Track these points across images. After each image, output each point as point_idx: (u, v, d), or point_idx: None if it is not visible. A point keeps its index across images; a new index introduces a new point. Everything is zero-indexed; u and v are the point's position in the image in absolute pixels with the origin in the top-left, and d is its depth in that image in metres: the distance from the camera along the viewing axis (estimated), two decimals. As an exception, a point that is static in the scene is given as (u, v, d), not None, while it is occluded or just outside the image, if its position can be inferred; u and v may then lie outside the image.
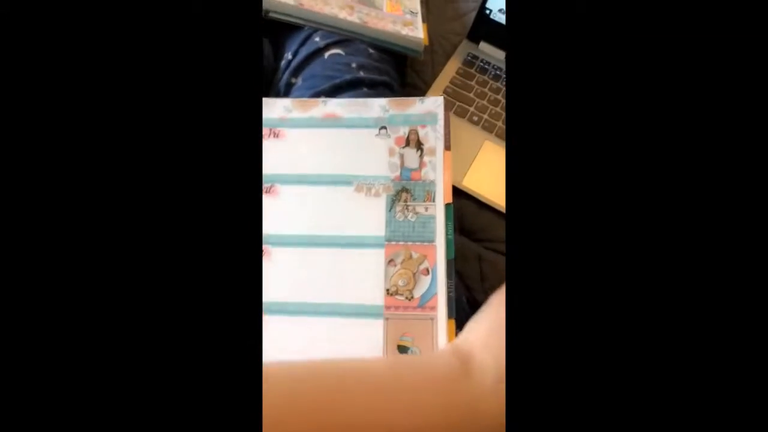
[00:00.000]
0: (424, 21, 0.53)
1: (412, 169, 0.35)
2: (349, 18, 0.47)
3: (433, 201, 0.34)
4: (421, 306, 0.31)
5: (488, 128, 0.47)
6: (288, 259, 0.33)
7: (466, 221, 0.43)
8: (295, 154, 0.36)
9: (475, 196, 0.42)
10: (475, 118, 0.48)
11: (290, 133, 0.37)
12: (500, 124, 0.48)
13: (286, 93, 0.46)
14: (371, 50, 0.49)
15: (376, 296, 0.31)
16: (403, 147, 0.36)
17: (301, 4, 0.45)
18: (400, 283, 0.32)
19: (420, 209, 0.34)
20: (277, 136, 0.36)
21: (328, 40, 0.47)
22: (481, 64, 0.53)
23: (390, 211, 0.34)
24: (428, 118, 0.37)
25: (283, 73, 0.47)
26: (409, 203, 0.34)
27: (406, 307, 0.31)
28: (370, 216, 0.34)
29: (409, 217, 0.33)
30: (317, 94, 0.43)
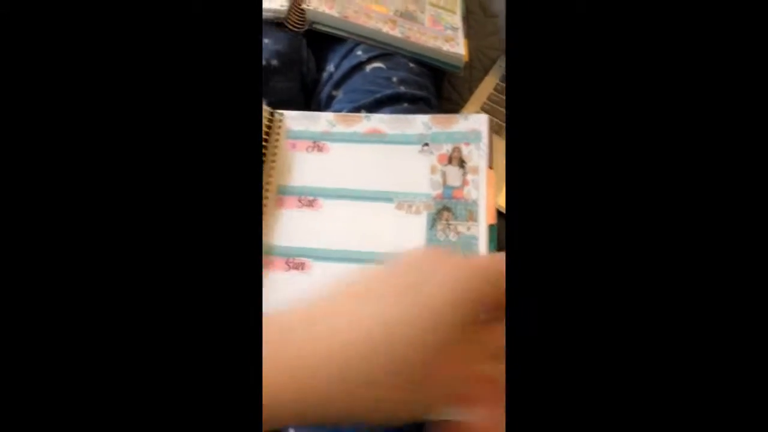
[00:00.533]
0: (464, 36, 0.53)
1: (454, 188, 0.35)
2: (392, 32, 0.47)
3: (476, 221, 0.33)
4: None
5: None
6: (327, 274, 0.33)
7: (500, 242, 0.42)
8: (338, 169, 0.36)
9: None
10: (515, 136, 0.47)
11: (333, 148, 0.37)
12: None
13: (327, 105, 0.47)
14: (412, 64, 0.49)
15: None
16: (446, 164, 0.36)
17: (346, 17, 0.46)
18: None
19: (462, 229, 0.33)
20: (321, 150, 0.37)
21: (370, 54, 0.47)
22: (522, 80, 0.52)
23: (431, 229, 0.34)
24: (472, 136, 0.36)
25: (325, 85, 0.48)
26: (450, 222, 0.34)
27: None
28: (411, 234, 0.33)
29: (450, 237, 0.33)
30: (358, 108, 0.44)
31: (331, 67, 0.48)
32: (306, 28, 0.46)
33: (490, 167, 0.35)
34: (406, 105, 0.45)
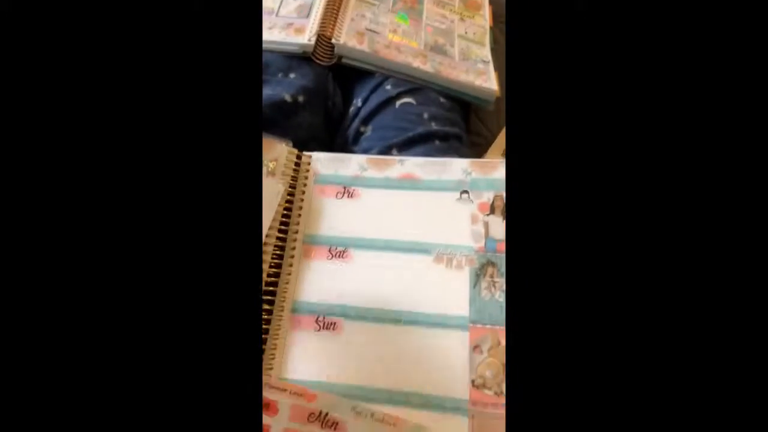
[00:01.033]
0: (495, 69, 0.51)
1: (498, 240, 0.32)
2: (423, 67, 0.45)
3: (523, 279, 0.30)
4: (510, 403, 0.27)
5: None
6: (359, 335, 0.30)
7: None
8: (371, 217, 0.33)
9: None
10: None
11: (365, 194, 0.34)
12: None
13: (354, 141, 0.45)
14: (442, 99, 0.47)
15: (459, 388, 0.28)
16: (488, 214, 0.33)
17: (376, 52, 0.44)
18: (488, 374, 0.28)
19: (508, 287, 0.30)
20: (351, 196, 0.34)
21: (400, 89, 0.45)
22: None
23: (474, 287, 0.31)
24: (515, 183, 0.34)
25: (352, 120, 0.45)
26: (495, 279, 0.31)
27: (495, 404, 0.27)
28: (452, 291, 0.30)
29: (496, 296, 0.30)
30: (389, 147, 0.41)
31: (358, 102, 0.46)
32: (334, 62, 0.45)
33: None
34: (437, 143, 0.43)
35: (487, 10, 0.56)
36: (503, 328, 0.29)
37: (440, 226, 0.33)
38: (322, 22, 0.44)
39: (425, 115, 0.43)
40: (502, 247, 0.32)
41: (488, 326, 0.29)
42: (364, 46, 0.44)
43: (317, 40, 0.44)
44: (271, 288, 0.31)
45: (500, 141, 0.54)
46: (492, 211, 0.33)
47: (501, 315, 0.30)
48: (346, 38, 0.44)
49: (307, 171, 0.35)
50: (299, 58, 0.44)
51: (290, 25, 0.45)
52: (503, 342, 0.29)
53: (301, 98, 0.42)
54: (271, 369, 0.29)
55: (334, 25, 0.44)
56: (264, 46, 0.44)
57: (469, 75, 0.46)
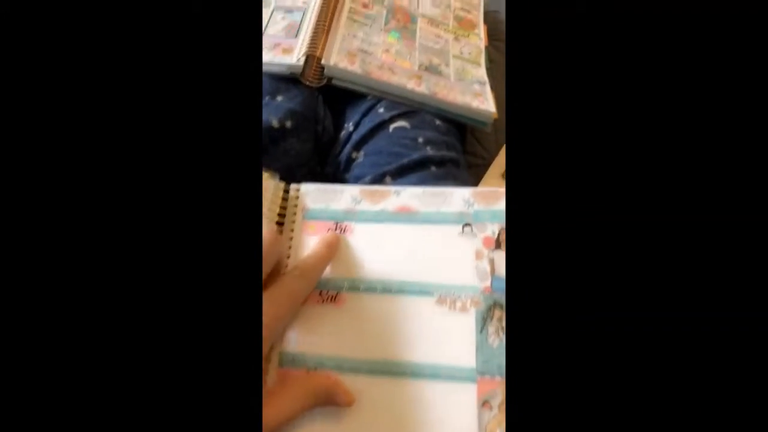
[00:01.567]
0: (491, 89, 0.49)
1: (505, 279, 0.29)
2: (418, 89, 0.43)
3: (534, 323, 0.28)
4: (525, 466, 0.24)
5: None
6: (355, 390, 0.27)
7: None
8: (365, 256, 0.31)
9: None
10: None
11: (358, 229, 0.31)
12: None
13: (346, 168, 0.42)
14: (438, 122, 0.44)
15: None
16: (493, 249, 0.30)
17: (368, 73, 0.42)
18: (499, 434, 0.25)
19: (517, 332, 0.28)
20: (344, 232, 0.31)
21: (393, 112, 0.43)
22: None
23: (481, 332, 0.28)
24: (520, 215, 0.31)
25: (344, 145, 0.43)
26: (504, 323, 0.28)
27: (507, 471, 0.24)
28: (457, 338, 0.28)
29: (504, 341, 0.27)
30: (382, 175, 0.39)
31: (350, 126, 0.44)
32: (324, 83, 0.42)
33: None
34: (433, 169, 0.41)
35: (482, 29, 0.54)
36: (514, 380, 0.26)
37: (442, 264, 0.30)
38: (312, 42, 0.42)
39: (420, 140, 0.41)
40: (510, 286, 0.29)
41: (498, 378, 0.27)
42: (356, 67, 0.42)
43: (306, 61, 0.41)
44: (255, 337, 0.28)
45: (499, 161, 0.52)
46: (497, 245, 0.31)
47: (511, 365, 0.27)
48: (337, 59, 0.42)
49: (296, 206, 0.33)
50: (287, 80, 0.42)
51: (278, 45, 0.43)
52: (515, 396, 0.26)
53: (288, 123, 0.39)
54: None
55: (324, 45, 0.42)
56: (249, 67, 0.41)
57: (466, 96, 0.44)
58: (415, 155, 0.39)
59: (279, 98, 0.42)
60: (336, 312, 0.29)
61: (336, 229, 0.32)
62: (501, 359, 0.27)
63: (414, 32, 0.49)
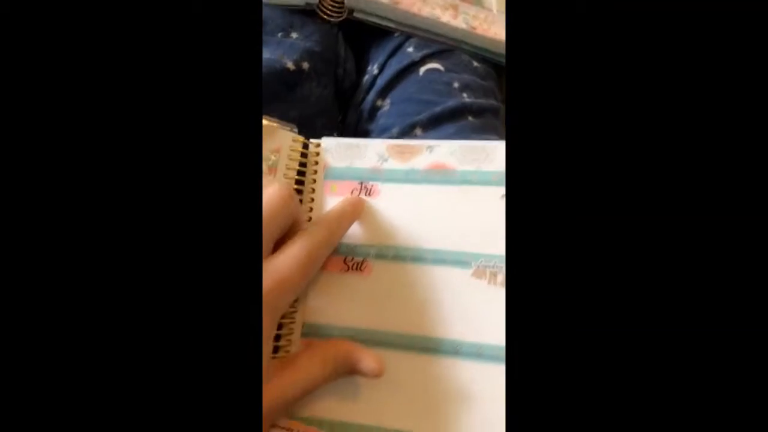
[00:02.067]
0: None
1: (551, 250, 0.26)
2: (454, 22, 0.37)
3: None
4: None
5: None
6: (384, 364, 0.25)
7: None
8: (393, 221, 0.27)
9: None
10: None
11: (385, 191, 0.28)
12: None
13: (370, 118, 0.38)
14: (476, 63, 0.39)
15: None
16: (539, 216, 0.27)
17: (396, 3, 0.36)
18: (539, 419, 0.23)
19: (563, 309, 0.25)
20: (370, 194, 0.28)
21: (425, 52, 0.37)
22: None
23: (522, 309, 0.25)
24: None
25: (368, 92, 0.38)
26: (548, 300, 0.25)
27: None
28: (495, 315, 0.25)
29: (549, 322, 0.25)
30: (411, 126, 0.34)
31: (374, 69, 0.38)
32: (344, 17, 0.37)
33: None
34: (470, 119, 0.36)
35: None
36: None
37: (481, 232, 0.27)
38: (330, -33, 0.36)
39: (456, 84, 0.36)
40: (557, 258, 0.26)
41: (540, 359, 0.24)
42: (382, -4, 0.36)
43: (324, -10, 0.35)
44: (276, 308, 0.26)
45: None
46: (544, 212, 0.27)
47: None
48: (360, -13, 0.36)
49: (316, 164, 0.29)
50: (302, 14, 0.36)
51: (290, -29, 0.37)
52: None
53: (305, 65, 0.35)
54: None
55: (343, -30, 0.36)
56: (259, -2, 0.36)
57: (509, 31, 0.38)
58: (450, 103, 0.34)
59: (294, 35, 0.36)
60: (362, 281, 0.27)
61: (361, 190, 0.28)
62: (544, 338, 0.25)
63: (449, -48, 0.42)
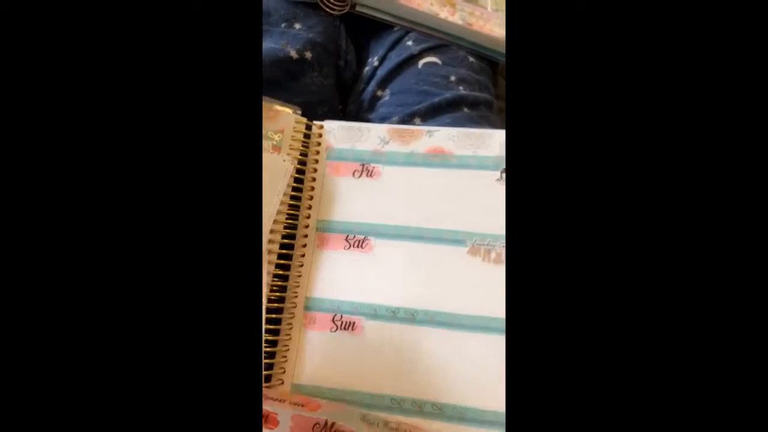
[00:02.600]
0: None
1: (543, 230, 0.27)
2: (451, 18, 0.38)
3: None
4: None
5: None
6: (381, 338, 0.26)
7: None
8: (394, 201, 0.28)
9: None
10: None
11: (386, 172, 0.29)
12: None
13: (370, 108, 0.39)
14: (471, 59, 0.40)
15: (499, 404, 0.24)
16: (532, 198, 0.28)
17: (396, -1, 0.37)
18: (531, 387, 0.24)
19: (554, 285, 0.26)
20: (371, 175, 0.29)
21: (423, 46, 0.39)
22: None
23: (516, 285, 0.26)
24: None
25: (368, 82, 0.39)
26: (540, 276, 0.26)
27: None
28: (490, 290, 0.26)
29: (541, 297, 0.26)
30: (410, 115, 0.36)
31: (374, 61, 0.40)
32: (346, 10, 0.38)
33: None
34: (466, 110, 0.37)
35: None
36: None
37: (477, 213, 0.28)
38: (333, -38, 0.37)
39: (452, 78, 0.37)
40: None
41: (532, 331, 0.25)
42: (383, -9, 0.37)
43: (327, -16, 0.37)
44: (280, 283, 0.27)
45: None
46: (537, 194, 0.28)
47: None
48: (362, -19, 0.37)
49: (319, 145, 0.30)
50: (305, 5, 0.37)
51: (294, -36, 0.38)
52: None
53: (308, 54, 0.36)
54: (283, 373, 0.26)
55: (346, -34, 0.37)
56: (264, -11, 0.37)
57: (504, 30, 0.40)
58: (447, 94, 0.36)
59: (297, 26, 0.38)
60: (362, 258, 0.28)
61: (362, 172, 0.29)
62: (536, 312, 0.26)
63: (446, -46, 0.44)
